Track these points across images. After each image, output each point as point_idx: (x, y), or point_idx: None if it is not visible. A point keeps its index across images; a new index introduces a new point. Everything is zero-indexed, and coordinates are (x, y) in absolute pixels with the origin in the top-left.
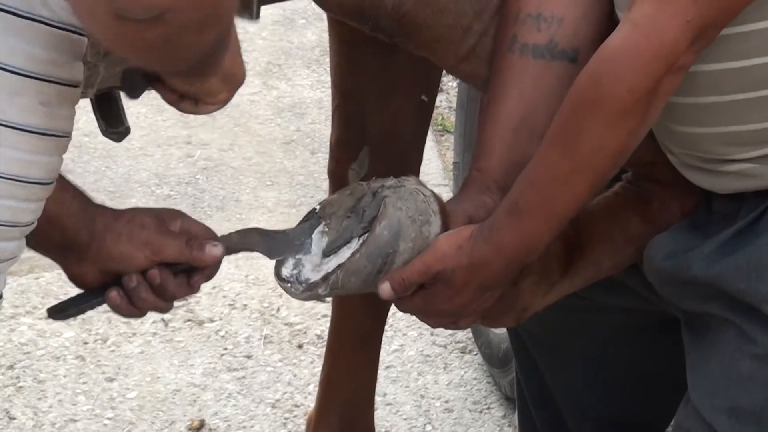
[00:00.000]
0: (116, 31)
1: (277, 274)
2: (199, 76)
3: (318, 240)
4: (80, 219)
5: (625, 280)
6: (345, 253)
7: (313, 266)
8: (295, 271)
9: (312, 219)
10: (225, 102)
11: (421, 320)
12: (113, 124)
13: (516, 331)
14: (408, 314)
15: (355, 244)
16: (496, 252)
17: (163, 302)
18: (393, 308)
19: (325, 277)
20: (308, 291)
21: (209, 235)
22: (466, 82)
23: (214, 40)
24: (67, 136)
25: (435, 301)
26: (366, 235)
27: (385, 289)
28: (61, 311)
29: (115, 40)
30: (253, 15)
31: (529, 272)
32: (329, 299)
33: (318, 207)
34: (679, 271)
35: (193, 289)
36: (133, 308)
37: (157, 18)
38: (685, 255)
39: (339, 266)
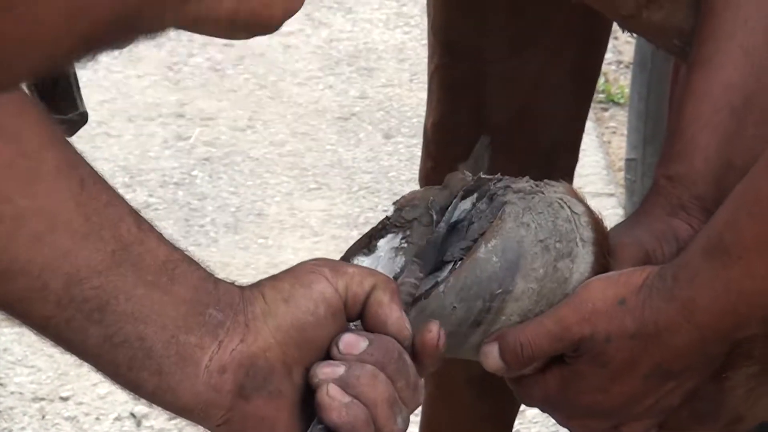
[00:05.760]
0: None
1: None
2: None
3: (389, 262)
4: None
5: None
6: (427, 285)
7: None
8: None
9: (383, 231)
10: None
11: (561, 423)
12: (60, 108)
13: None
14: (542, 415)
15: (445, 273)
16: (685, 316)
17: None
18: (521, 418)
19: None
20: None
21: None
22: (653, 42)
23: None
24: None
25: (579, 389)
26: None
27: (490, 355)
28: None
29: None
30: None
31: (744, 357)
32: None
33: (392, 209)
34: None
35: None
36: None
37: None
38: None
39: (412, 303)
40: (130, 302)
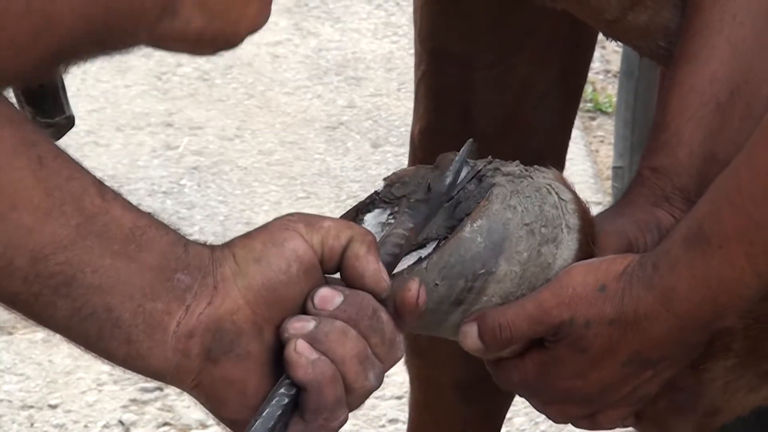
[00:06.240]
0: None
1: None
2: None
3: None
4: None
5: None
6: (411, 260)
7: None
8: None
9: (371, 205)
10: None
11: (538, 408)
12: (47, 112)
13: None
14: (530, 422)
15: (429, 250)
16: (663, 304)
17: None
18: (508, 425)
19: None
20: None
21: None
22: (637, 47)
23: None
24: None
25: (557, 374)
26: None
27: (469, 335)
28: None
29: None
30: None
31: (724, 350)
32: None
33: (382, 184)
34: None
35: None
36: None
37: None
38: None
39: (393, 276)
40: (97, 274)
